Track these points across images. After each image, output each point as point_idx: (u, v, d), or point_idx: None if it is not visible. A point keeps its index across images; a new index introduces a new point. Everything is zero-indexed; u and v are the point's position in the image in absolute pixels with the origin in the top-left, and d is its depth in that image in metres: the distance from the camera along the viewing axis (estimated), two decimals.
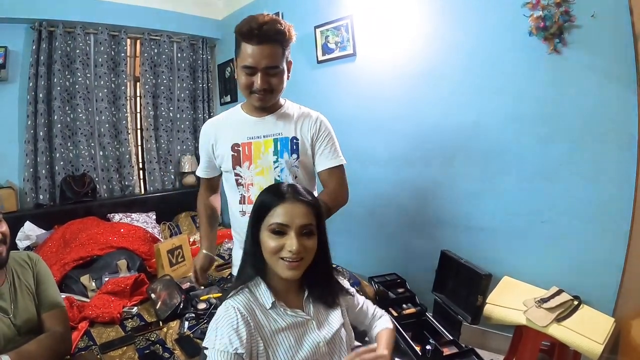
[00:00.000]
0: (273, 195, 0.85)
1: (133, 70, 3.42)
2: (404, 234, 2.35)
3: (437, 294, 1.96)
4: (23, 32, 2.71)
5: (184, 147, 3.57)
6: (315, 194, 1.22)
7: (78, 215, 2.69)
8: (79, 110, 2.94)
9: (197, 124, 3.60)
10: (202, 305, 1.89)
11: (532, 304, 1.50)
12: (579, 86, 1.62)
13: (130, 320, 1.79)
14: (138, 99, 3.43)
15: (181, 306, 1.81)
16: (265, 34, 1.05)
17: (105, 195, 3.13)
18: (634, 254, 1.52)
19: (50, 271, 1.34)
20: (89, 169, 3.02)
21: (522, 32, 1.72)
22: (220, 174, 1.34)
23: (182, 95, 3.51)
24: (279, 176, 1.21)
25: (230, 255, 2.37)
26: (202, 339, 0.81)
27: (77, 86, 2.91)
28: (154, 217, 3.14)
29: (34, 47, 2.69)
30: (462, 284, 1.80)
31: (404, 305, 1.95)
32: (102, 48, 3.01)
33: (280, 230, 0.82)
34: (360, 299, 1.06)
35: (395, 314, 1.88)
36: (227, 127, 1.26)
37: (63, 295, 1.76)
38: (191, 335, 1.65)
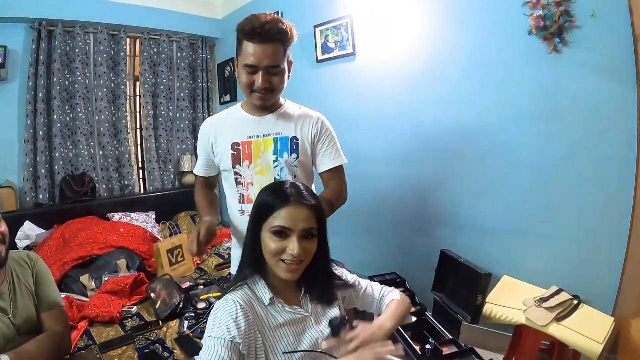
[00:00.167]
0: (277, 196, 0.84)
1: (133, 69, 3.41)
2: (404, 233, 2.35)
3: (436, 294, 1.96)
4: (23, 31, 2.71)
5: (184, 146, 3.57)
6: None
7: (78, 215, 2.69)
8: (79, 110, 2.94)
9: (197, 124, 3.59)
10: (201, 305, 1.89)
11: (532, 304, 1.50)
12: (579, 86, 1.62)
13: (130, 319, 1.79)
14: (138, 98, 3.42)
15: (181, 306, 1.82)
16: (268, 33, 1.06)
17: (105, 194, 3.13)
18: (633, 253, 1.52)
19: (50, 271, 1.34)
20: (89, 168, 3.01)
21: (522, 32, 1.72)
22: (218, 173, 1.34)
23: (182, 94, 3.51)
24: (278, 175, 1.22)
25: (229, 255, 2.37)
26: (202, 339, 0.80)
27: (76, 86, 2.91)
28: (154, 216, 3.14)
29: (33, 47, 2.69)
30: (462, 284, 1.80)
31: None
32: (101, 47, 3.00)
33: (282, 232, 0.82)
34: (364, 283, 1.04)
35: None
36: (227, 126, 1.26)
37: (63, 295, 1.77)
38: (191, 334, 1.65)
